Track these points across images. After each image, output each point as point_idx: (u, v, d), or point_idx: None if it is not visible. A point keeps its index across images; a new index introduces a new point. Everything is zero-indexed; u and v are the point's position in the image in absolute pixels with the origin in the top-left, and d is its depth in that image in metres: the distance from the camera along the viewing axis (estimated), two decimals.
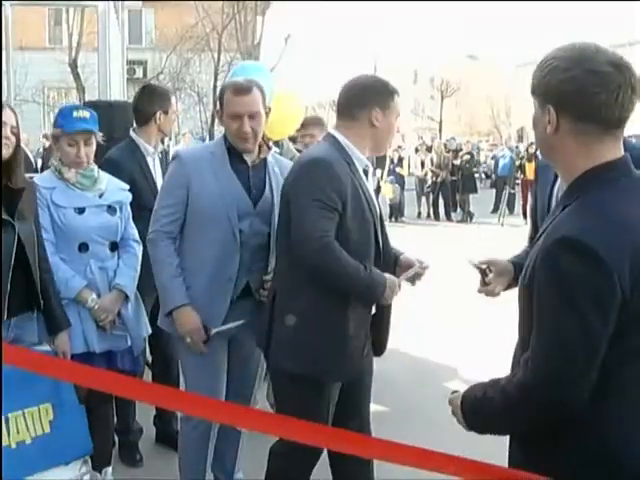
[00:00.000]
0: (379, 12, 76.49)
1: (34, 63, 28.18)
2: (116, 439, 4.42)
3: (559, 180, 2.67)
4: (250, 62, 6.33)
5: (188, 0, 27.64)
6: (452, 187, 19.45)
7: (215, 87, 28.85)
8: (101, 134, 3.79)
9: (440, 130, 46.88)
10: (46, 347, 3.33)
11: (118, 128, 4.97)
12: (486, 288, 2.83)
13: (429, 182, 19.51)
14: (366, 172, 3.21)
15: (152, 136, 4.50)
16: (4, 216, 3.13)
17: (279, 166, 3.62)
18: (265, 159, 3.60)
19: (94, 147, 3.74)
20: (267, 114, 3.55)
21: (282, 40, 31.67)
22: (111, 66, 6.25)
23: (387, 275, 3.07)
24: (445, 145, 22.49)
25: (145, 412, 4.66)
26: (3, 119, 3.10)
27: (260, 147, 3.58)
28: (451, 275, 7.71)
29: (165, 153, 4.83)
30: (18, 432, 3.08)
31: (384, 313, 3.25)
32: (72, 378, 2.58)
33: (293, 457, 3.16)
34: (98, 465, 3.86)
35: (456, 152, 21.24)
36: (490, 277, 2.81)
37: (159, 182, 4.29)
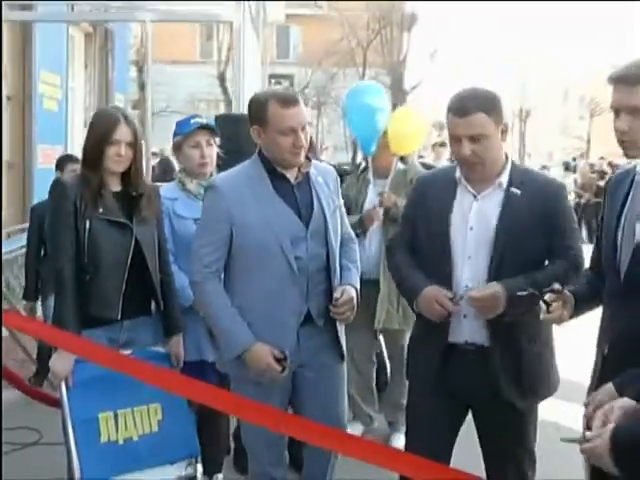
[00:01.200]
0: (529, 29, 75.08)
1: (185, 76, 29.38)
2: (232, 445, 4.44)
3: (630, 199, 2.57)
4: (365, 82, 6.30)
5: (324, 15, 27.95)
6: (596, 209, 18.75)
7: None
8: (218, 144, 3.90)
9: (588, 150, 45.41)
10: (160, 349, 3.44)
11: (246, 141, 5.07)
12: (550, 316, 2.72)
13: (572, 204, 18.90)
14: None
15: None
16: (121, 219, 3.28)
17: (321, 174, 3.32)
18: (307, 172, 3.25)
19: (215, 150, 3.85)
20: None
21: (427, 56, 31.61)
22: (248, 80, 6.41)
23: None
24: (591, 166, 21.76)
25: None
26: (116, 137, 3.25)
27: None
28: None
29: None
30: (126, 429, 3.21)
31: None
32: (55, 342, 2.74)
33: None
34: (209, 470, 3.94)
35: (602, 173, 20.49)
36: (554, 306, 2.70)
37: None
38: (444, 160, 10.29)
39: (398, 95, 30.33)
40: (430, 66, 30.96)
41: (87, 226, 3.21)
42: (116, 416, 3.21)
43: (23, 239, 8.63)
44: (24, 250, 8.56)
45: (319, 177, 3.27)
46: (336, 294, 3.19)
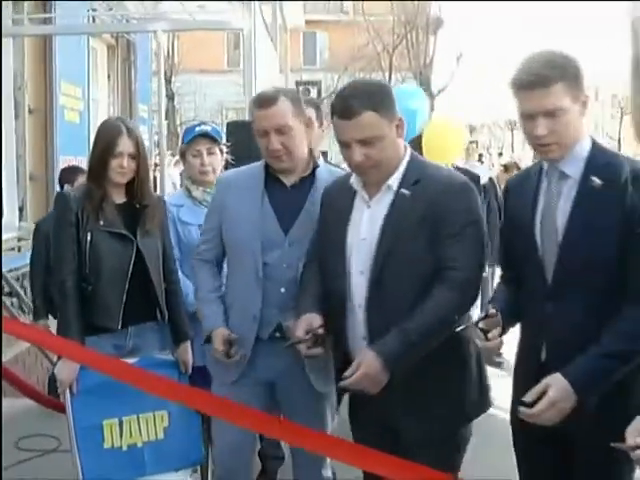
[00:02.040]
0: (557, 29, 74.58)
1: (213, 85, 29.57)
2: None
3: (543, 193, 2.48)
4: (406, 85, 6.30)
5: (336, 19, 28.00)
6: None
7: None
8: (227, 149, 3.91)
9: (619, 149, 44.97)
10: (169, 356, 3.46)
11: (257, 147, 5.10)
12: (491, 344, 2.51)
13: None
14: None
15: None
16: (123, 231, 3.32)
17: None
18: (313, 178, 3.08)
19: (219, 159, 3.86)
20: (309, 125, 3.10)
21: (454, 59, 31.52)
22: (261, 87, 6.43)
23: None
24: None
25: None
26: (118, 149, 3.27)
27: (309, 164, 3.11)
28: None
29: None
30: (131, 435, 3.24)
31: None
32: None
33: None
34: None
35: None
36: (493, 333, 2.50)
37: None
38: (474, 161, 10.26)
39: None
40: (456, 69, 30.82)
41: (89, 238, 3.26)
42: (121, 423, 3.24)
43: None
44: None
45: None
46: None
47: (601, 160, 2.40)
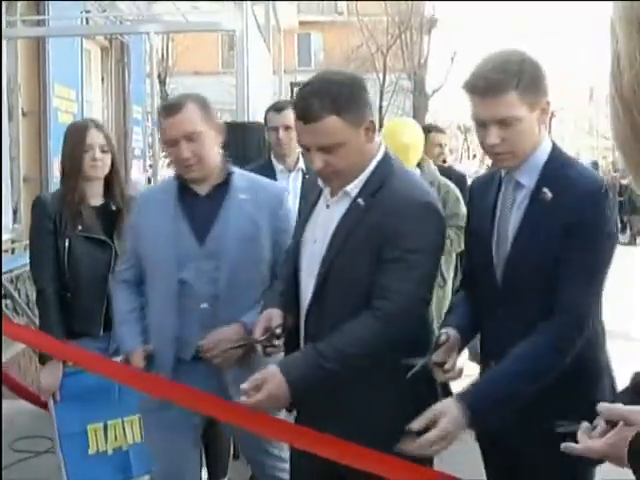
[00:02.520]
0: (550, 29, 74.75)
1: (207, 87, 29.53)
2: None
3: (500, 201, 2.38)
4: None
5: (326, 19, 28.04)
6: (619, 208, 18.64)
7: (381, 107, 29.15)
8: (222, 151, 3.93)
9: (614, 150, 45.09)
10: None
11: (250, 148, 5.13)
12: (450, 375, 2.33)
13: None
14: None
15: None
16: (101, 236, 3.33)
17: (254, 192, 2.94)
18: (227, 186, 2.92)
19: None
20: (219, 131, 2.95)
21: (448, 59, 31.55)
22: (254, 88, 6.47)
23: None
24: (613, 164, 21.63)
25: None
26: (88, 141, 3.28)
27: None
28: (616, 299, 7.39)
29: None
30: (116, 439, 3.26)
31: None
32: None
33: None
34: (214, 475, 3.96)
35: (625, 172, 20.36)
36: (449, 364, 2.32)
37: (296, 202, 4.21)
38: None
39: (420, 100, 30.32)
40: (451, 69, 30.85)
41: (67, 244, 3.27)
42: (105, 427, 3.26)
43: None
44: None
45: (244, 194, 2.91)
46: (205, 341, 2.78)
47: (557, 171, 2.28)
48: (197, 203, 2.90)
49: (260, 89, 7.26)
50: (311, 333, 2.42)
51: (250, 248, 2.85)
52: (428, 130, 5.63)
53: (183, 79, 29.30)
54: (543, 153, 2.31)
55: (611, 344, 2.41)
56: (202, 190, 2.91)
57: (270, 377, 2.25)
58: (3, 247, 7.84)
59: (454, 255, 5.08)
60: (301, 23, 28.21)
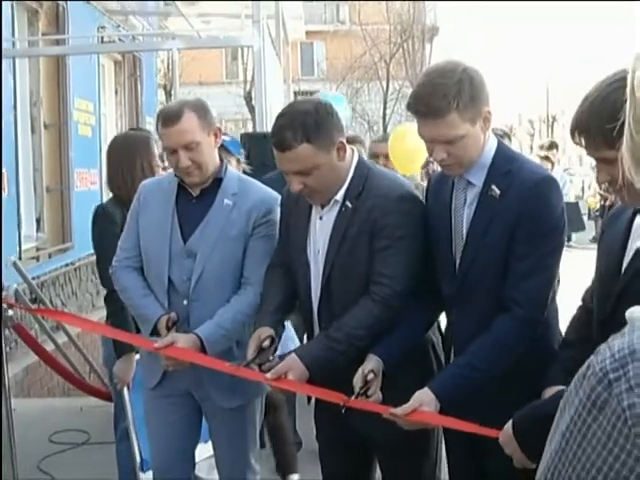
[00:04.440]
0: (551, 34, 74.98)
1: (213, 97, 29.84)
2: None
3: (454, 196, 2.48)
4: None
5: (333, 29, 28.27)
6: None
7: (384, 115, 29.48)
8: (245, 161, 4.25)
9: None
10: None
11: (270, 157, 5.44)
12: (376, 397, 2.48)
13: (597, 206, 19.02)
14: None
15: None
16: None
17: (239, 198, 2.96)
18: (218, 187, 2.97)
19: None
20: (217, 134, 2.97)
21: None
22: (271, 99, 6.77)
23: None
24: None
25: (304, 424, 4.56)
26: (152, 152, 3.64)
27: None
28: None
29: None
30: None
31: None
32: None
33: None
34: (284, 471, 4.26)
35: None
36: (372, 389, 2.47)
37: None
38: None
39: None
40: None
41: None
42: None
43: (64, 259, 9.11)
44: (65, 269, 9.08)
45: (229, 199, 2.96)
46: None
47: (502, 168, 2.38)
48: (189, 204, 2.99)
49: (275, 99, 7.59)
50: (324, 327, 2.65)
51: (225, 251, 2.93)
52: None
53: (189, 89, 29.64)
54: (489, 152, 2.40)
55: None
56: (194, 191, 3.00)
57: (294, 364, 2.51)
58: (28, 255, 8.17)
59: None
60: (304, 33, 28.53)
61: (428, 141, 2.37)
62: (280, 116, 2.58)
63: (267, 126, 6.52)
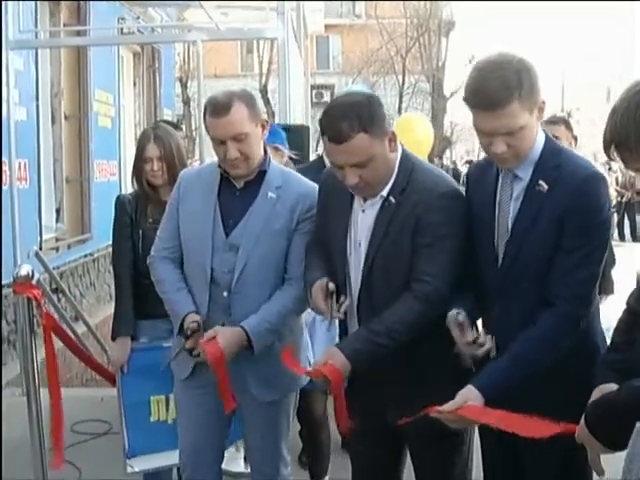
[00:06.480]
0: (568, 31, 74.62)
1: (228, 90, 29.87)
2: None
3: (500, 186, 2.47)
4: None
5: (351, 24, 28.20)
6: (638, 207, 18.78)
7: (400, 108, 29.41)
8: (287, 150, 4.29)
9: None
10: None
11: (296, 149, 5.45)
12: (474, 347, 2.45)
13: (614, 202, 18.94)
14: None
15: None
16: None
17: (284, 192, 2.94)
18: (262, 180, 2.94)
19: (277, 159, 4.13)
20: (264, 126, 2.92)
21: (466, 61, 31.71)
22: (293, 92, 6.76)
23: None
24: None
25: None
26: (147, 155, 3.58)
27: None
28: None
29: None
30: (176, 411, 3.45)
31: None
32: None
33: None
34: (316, 475, 4.18)
35: None
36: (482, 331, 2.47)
37: None
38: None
39: (438, 101, 30.55)
40: (469, 71, 30.96)
41: (140, 235, 3.58)
42: (167, 399, 3.51)
43: (83, 249, 9.15)
44: (84, 260, 9.10)
45: (272, 193, 2.93)
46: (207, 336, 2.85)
47: (550, 162, 2.38)
48: (232, 196, 2.95)
49: (297, 92, 7.57)
50: (364, 319, 2.64)
51: (268, 244, 2.90)
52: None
53: (204, 82, 29.63)
54: (538, 146, 2.40)
55: None
56: (239, 184, 2.96)
57: (335, 355, 2.51)
58: (48, 246, 8.19)
59: None
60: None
61: (488, 134, 2.32)
62: (331, 107, 2.54)
63: (290, 119, 6.51)
